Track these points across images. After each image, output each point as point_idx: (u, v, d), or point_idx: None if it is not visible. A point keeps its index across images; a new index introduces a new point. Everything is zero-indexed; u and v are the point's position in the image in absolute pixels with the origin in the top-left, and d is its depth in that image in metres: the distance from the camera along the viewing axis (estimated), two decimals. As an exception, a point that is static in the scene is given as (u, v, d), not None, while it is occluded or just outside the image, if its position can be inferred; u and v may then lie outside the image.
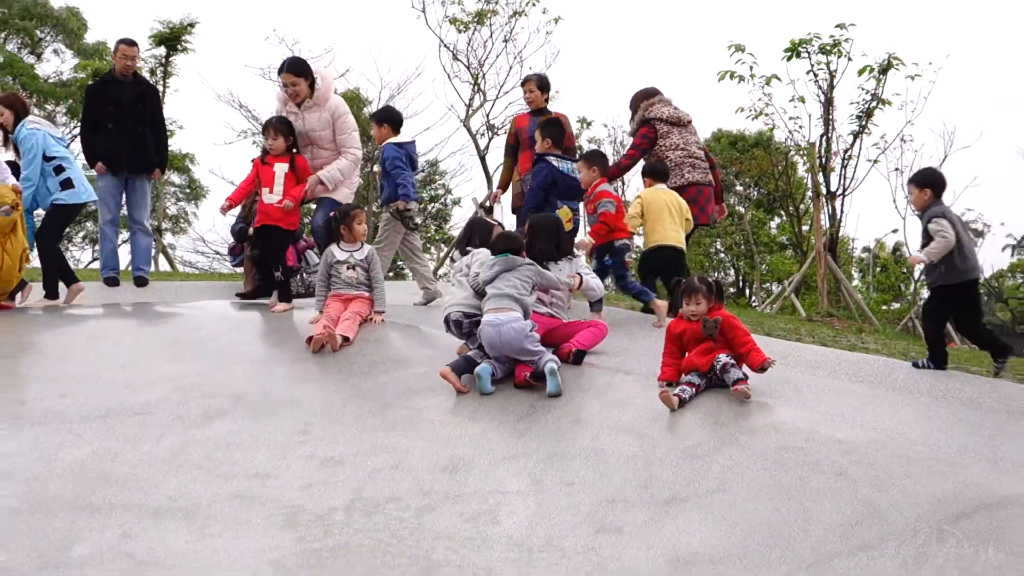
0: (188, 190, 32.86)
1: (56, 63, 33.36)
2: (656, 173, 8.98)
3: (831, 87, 15.53)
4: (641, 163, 9.30)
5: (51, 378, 6.44)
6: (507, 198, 10.22)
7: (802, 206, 24.19)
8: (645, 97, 9.42)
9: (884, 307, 27.69)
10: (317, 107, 8.54)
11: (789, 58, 15.38)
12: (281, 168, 8.17)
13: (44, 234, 8.92)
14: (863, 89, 15.43)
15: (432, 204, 28.89)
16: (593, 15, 66.86)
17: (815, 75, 15.54)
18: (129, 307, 8.94)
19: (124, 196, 10.05)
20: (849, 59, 15.28)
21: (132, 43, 10.05)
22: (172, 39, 22.10)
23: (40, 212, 9.21)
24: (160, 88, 20.86)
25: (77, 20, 32.53)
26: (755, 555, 4.04)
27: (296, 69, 8.52)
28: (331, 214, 8.05)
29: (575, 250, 7.55)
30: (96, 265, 17.28)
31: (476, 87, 20.26)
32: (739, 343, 5.65)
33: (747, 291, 34.11)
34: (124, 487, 4.80)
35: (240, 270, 10.18)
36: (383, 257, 8.64)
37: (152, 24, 22.81)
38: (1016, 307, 45.53)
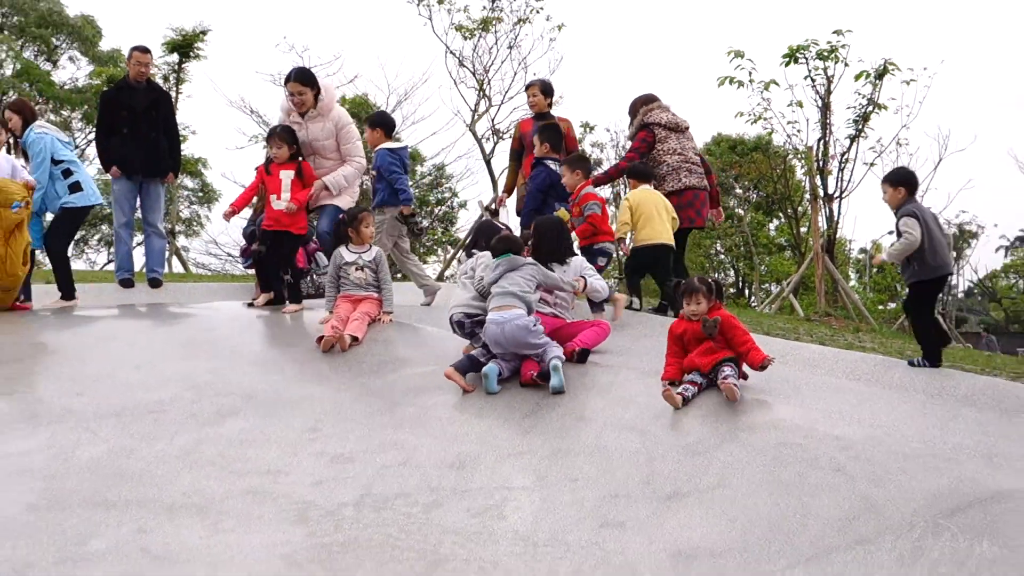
0: (201, 194, 32.88)
1: (72, 70, 33.37)
2: (641, 174, 9.10)
3: (828, 92, 15.53)
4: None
5: (68, 378, 6.46)
6: (512, 201, 10.24)
7: (800, 208, 24.16)
8: (644, 103, 9.46)
9: (880, 307, 27.60)
10: (320, 117, 8.55)
11: (787, 64, 15.38)
12: (287, 175, 8.19)
13: (55, 239, 8.95)
14: (860, 94, 15.42)
15: (439, 207, 28.88)
16: (596, 22, 66.94)
17: (813, 80, 15.54)
18: (143, 308, 8.96)
19: (138, 200, 10.06)
20: (846, 65, 15.28)
21: (146, 50, 10.07)
22: (185, 46, 22.09)
23: (47, 215, 9.23)
24: (173, 94, 20.87)
25: (92, 28, 32.57)
26: (755, 549, 4.04)
27: (303, 79, 8.55)
28: (340, 216, 8.08)
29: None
30: (111, 267, 17.28)
31: (481, 93, 20.24)
32: (739, 342, 5.65)
33: (747, 291, 34.06)
34: (139, 483, 4.81)
35: (253, 271, 10.18)
36: None
37: (165, 32, 22.83)
38: (1009, 307, 45.54)
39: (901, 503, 4.21)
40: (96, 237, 32.39)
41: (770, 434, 5.00)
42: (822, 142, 15.73)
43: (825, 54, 15.23)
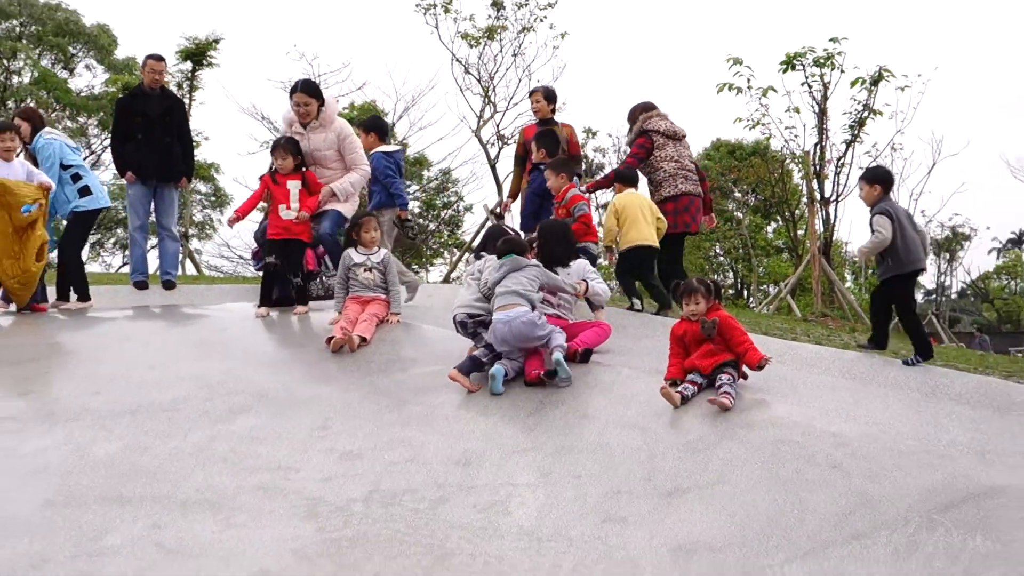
0: (213, 198, 32.92)
1: (88, 77, 33.41)
2: (627, 179, 9.31)
3: (825, 98, 15.56)
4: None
5: (84, 377, 6.47)
6: (517, 206, 10.25)
7: (797, 211, 24.17)
8: (643, 110, 9.50)
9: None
10: (322, 128, 8.56)
11: (785, 71, 15.40)
12: (294, 185, 8.20)
13: (69, 244, 8.98)
14: (855, 100, 15.47)
15: (445, 211, 28.89)
16: (598, 31, 66.93)
17: (810, 87, 15.58)
18: (157, 309, 8.96)
19: (152, 204, 10.08)
20: (842, 71, 15.32)
21: (160, 58, 10.09)
22: (198, 54, 22.12)
23: (58, 218, 9.26)
24: (186, 101, 20.91)
25: (108, 37, 32.61)
26: (753, 544, 4.04)
27: (309, 90, 8.57)
28: (345, 223, 8.11)
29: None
30: (126, 269, 17.29)
31: (487, 99, 20.29)
32: (736, 343, 5.64)
33: (745, 292, 34.07)
34: (153, 480, 4.82)
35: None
36: None
37: (179, 40, 22.82)
38: (1001, 307, 45.49)
39: (896, 499, 4.20)
40: (111, 240, 32.45)
41: (768, 431, 5.00)
42: (819, 147, 15.77)
43: (822, 61, 15.27)
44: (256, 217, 9.16)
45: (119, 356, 6.92)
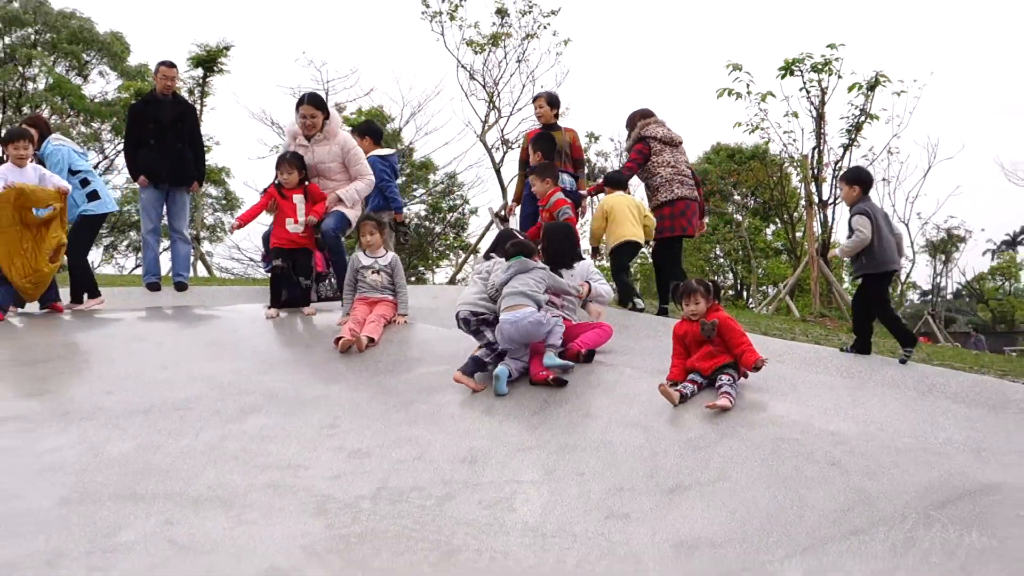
0: (224, 201, 32.90)
1: (101, 84, 33.39)
2: (616, 182, 9.56)
3: (822, 103, 15.54)
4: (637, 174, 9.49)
5: (98, 377, 6.47)
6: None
7: (796, 214, 24.14)
8: (641, 117, 9.53)
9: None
10: (326, 140, 8.55)
11: (783, 76, 15.40)
12: (300, 199, 8.20)
13: (76, 247, 8.99)
14: (852, 105, 15.45)
15: (451, 214, 28.87)
16: (601, 37, 66.92)
17: (807, 92, 15.55)
18: (169, 310, 8.97)
19: (165, 207, 10.08)
20: (839, 77, 15.29)
21: (172, 65, 10.09)
22: (209, 61, 22.10)
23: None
24: (198, 107, 20.90)
25: (120, 44, 32.60)
26: (754, 539, 4.04)
27: (316, 102, 8.56)
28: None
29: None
30: (139, 272, 17.32)
31: (491, 104, 20.26)
32: (735, 344, 5.64)
33: (745, 293, 34.02)
34: (166, 478, 4.82)
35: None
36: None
37: (190, 47, 22.84)
38: (996, 307, 45.43)
39: (894, 495, 4.20)
40: (125, 243, 32.49)
41: (768, 430, 5.00)
42: (816, 151, 15.76)
43: (819, 67, 15.25)
44: (265, 219, 9.15)
45: (132, 356, 6.92)
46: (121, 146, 20.11)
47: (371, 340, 7.06)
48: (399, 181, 10.65)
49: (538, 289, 6.33)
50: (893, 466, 4.47)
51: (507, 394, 5.98)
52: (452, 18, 19.56)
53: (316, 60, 32.85)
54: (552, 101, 9.91)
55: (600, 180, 10.24)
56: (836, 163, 15.74)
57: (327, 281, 9.35)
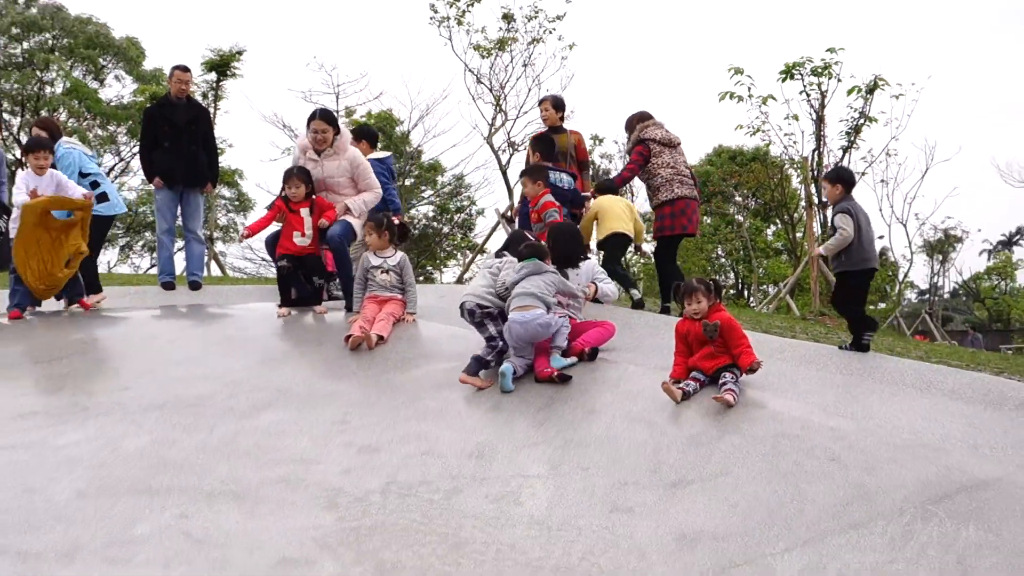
0: (237, 202, 32.97)
1: (117, 88, 33.50)
2: (606, 189, 9.79)
3: (822, 106, 15.54)
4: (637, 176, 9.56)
5: (114, 374, 6.50)
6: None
7: (796, 215, 24.13)
8: (640, 119, 9.52)
9: (871, 307, 27.52)
10: (336, 155, 8.53)
11: (784, 80, 15.41)
12: (307, 212, 8.20)
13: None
14: (851, 108, 15.47)
15: (458, 215, 28.89)
16: (605, 42, 66.86)
17: (807, 95, 15.57)
18: (184, 309, 8.99)
19: (179, 208, 10.11)
20: (839, 80, 15.31)
21: (186, 69, 10.12)
22: (222, 65, 22.16)
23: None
24: (211, 110, 20.94)
25: (136, 49, 32.68)
26: (755, 533, 4.03)
27: (328, 118, 8.53)
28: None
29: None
30: (154, 271, 17.37)
31: (498, 107, 20.29)
32: (734, 344, 5.63)
33: (746, 292, 34.00)
34: (181, 472, 4.83)
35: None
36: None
37: (204, 52, 22.92)
38: (992, 306, 45.34)
39: (892, 490, 4.20)
40: (140, 243, 32.57)
41: (768, 426, 4.99)
42: (816, 153, 15.76)
43: (819, 71, 15.25)
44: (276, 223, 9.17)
45: (147, 354, 6.94)
46: (137, 148, 20.20)
47: (380, 338, 7.07)
48: (408, 182, 10.66)
49: (548, 292, 6.34)
50: (891, 461, 4.47)
51: (513, 391, 5.98)
52: (460, 23, 19.61)
53: (327, 64, 33.08)
54: (557, 104, 9.92)
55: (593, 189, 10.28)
56: (836, 165, 15.72)
57: (335, 281, 9.37)
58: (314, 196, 8.31)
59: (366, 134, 9.92)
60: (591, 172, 11.15)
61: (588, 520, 4.29)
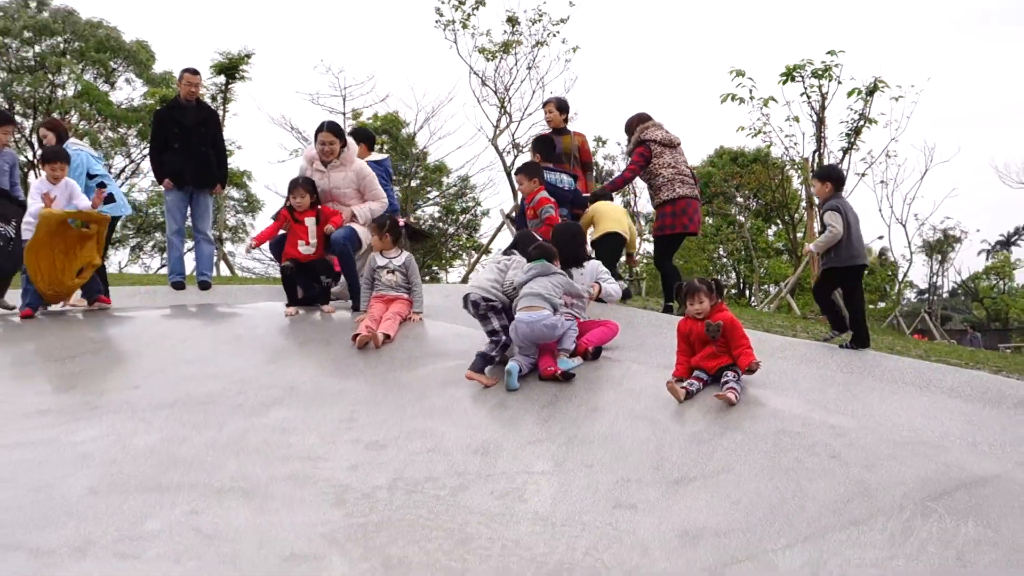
0: (246, 203, 33.03)
1: (128, 91, 33.49)
2: (600, 199, 9.83)
3: (823, 108, 15.51)
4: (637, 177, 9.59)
5: (125, 372, 6.51)
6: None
7: (797, 215, 24.10)
8: (640, 121, 9.49)
9: (871, 306, 27.51)
10: (343, 167, 8.53)
11: (784, 82, 15.37)
12: (311, 222, 8.21)
13: None
14: (852, 110, 15.41)
15: (463, 215, 28.91)
16: (608, 44, 66.87)
17: (808, 97, 15.54)
18: (194, 308, 9.00)
19: (189, 209, 10.12)
20: (839, 82, 15.28)
21: (195, 72, 10.12)
22: (231, 68, 22.15)
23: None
24: (220, 112, 20.97)
25: (146, 52, 32.71)
26: (756, 529, 4.04)
27: (335, 130, 8.53)
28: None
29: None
30: (164, 271, 17.38)
31: (502, 110, 20.27)
32: (735, 344, 5.63)
33: (747, 292, 33.97)
34: (191, 469, 4.84)
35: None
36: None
37: (213, 55, 22.87)
38: (990, 306, 45.29)
39: (892, 487, 4.19)
40: (150, 244, 32.64)
41: (770, 423, 4.99)
42: (817, 154, 15.71)
43: (820, 73, 15.23)
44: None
45: (158, 352, 6.96)
46: (147, 150, 20.19)
47: (387, 336, 7.07)
48: (414, 183, 10.66)
49: (556, 293, 6.35)
50: (891, 458, 4.47)
51: (518, 389, 5.99)
52: (465, 26, 19.59)
53: (334, 67, 33.04)
54: (561, 106, 9.92)
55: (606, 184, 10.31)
56: (826, 164, 15.71)
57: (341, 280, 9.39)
58: (319, 206, 8.32)
59: (364, 136, 9.93)
60: (594, 173, 11.14)
61: (592, 516, 4.30)
